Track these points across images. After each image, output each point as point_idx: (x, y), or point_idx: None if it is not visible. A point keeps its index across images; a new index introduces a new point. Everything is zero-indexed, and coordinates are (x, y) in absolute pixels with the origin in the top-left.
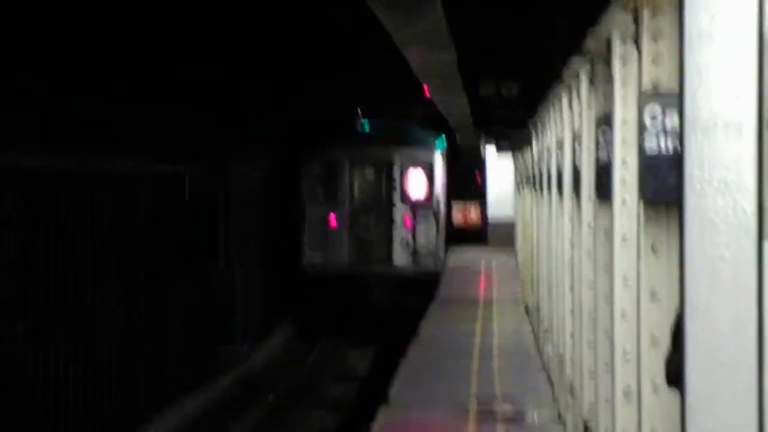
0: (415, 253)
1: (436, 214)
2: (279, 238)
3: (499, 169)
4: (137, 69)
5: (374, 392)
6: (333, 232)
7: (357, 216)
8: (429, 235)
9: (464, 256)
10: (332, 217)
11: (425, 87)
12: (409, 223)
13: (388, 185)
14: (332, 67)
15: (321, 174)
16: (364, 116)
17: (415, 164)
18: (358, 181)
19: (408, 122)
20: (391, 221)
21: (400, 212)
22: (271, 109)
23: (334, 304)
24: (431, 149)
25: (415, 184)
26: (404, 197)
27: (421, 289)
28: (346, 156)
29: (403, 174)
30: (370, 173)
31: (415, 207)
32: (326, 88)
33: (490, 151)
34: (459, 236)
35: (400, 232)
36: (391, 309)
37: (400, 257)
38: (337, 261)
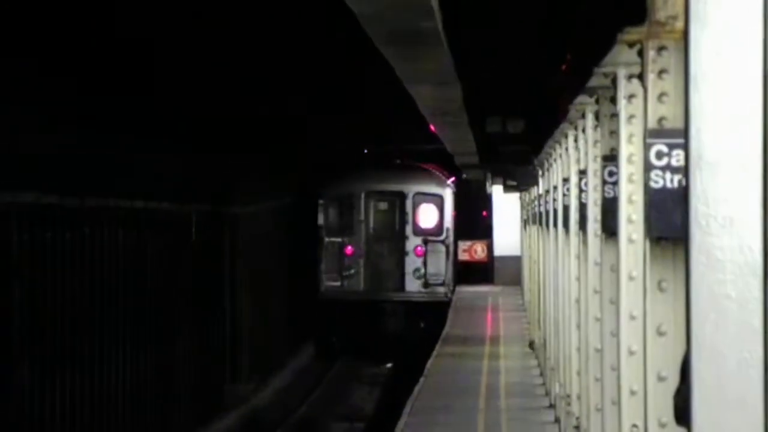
0: (426, 282)
1: (446, 246)
2: (297, 269)
3: (505, 206)
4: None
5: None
6: (349, 259)
7: (372, 246)
8: (439, 265)
9: (471, 294)
10: (348, 247)
11: (431, 126)
12: (420, 252)
13: (401, 218)
14: (341, 105)
15: (338, 206)
16: (372, 154)
17: (427, 199)
18: (372, 214)
19: (419, 159)
20: (403, 251)
21: (413, 243)
22: (291, 148)
23: (351, 328)
24: (442, 185)
25: (427, 217)
26: (416, 229)
27: (431, 315)
28: (361, 189)
29: (415, 208)
30: (384, 206)
31: (426, 238)
32: (336, 125)
33: (496, 189)
34: (465, 274)
35: (413, 262)
36: (404, 333)
37: (412, 285)
38: (354, 288)
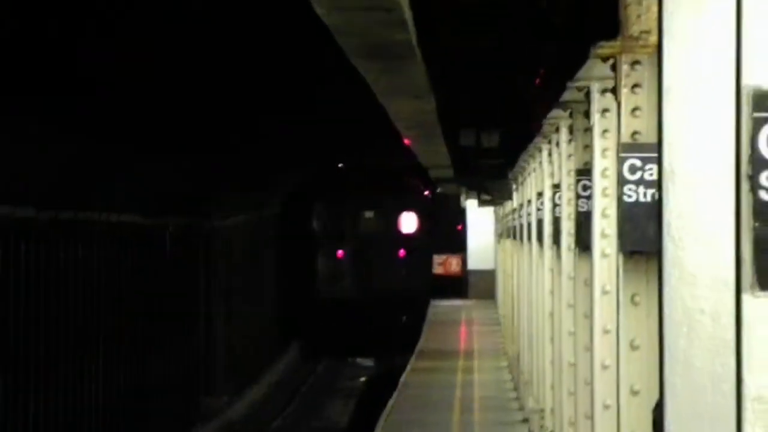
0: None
1: (423, 247)
2: (289, 274)
3: (479, 220)
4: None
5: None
6: (341, 262)
7: (361, 248)
8: (419, 263)
9: (445, 308)
10: (339, 251)
11: (405, 140)
12: (402, 253)
13: (386, 223)
14: (315, 116)
15: (330, 213)
16: (346, 167)
17: (408, 207)
18: (361, 220)
19: (394, 174)
20: (389, 252)
21: (396, 245)
22: (285, 163)
23: (344, 323)
24: (420, 195)
25: (408, 223)
26: (398, 233)
27: (413, 306)
28: (352, 199)
29: (397, 215)
30: (371, 214)
31: (407, 240)
32: (310, 138)
33: (471, 203)
34: (440, 288)
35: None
36: (390, 323)
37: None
38: (345, 287)
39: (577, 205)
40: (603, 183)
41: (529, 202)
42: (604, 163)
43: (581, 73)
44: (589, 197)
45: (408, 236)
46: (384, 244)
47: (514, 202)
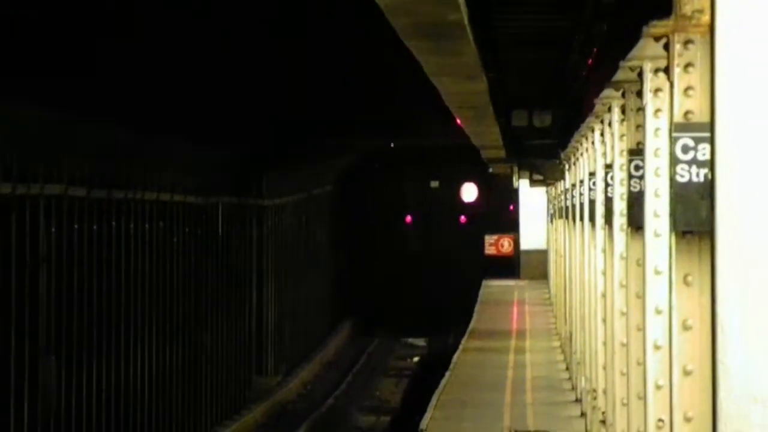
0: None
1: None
2: (342, 252)
3: (532, 200)
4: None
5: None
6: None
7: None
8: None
9: (497, 288)
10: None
11: (457, 120)
12: (463, 219)
13: (447, 192)
14: (368, 98)
15: (392, 185)
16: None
17: (468, 178)
18: (424, 190)
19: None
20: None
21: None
22: (334, 146)
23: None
24: (478, 166)
25: (468, 192)
26: (460, 201)
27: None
28: (413, 171)
29: (460, 184)
30: (435, 183)
31: (467, 207)
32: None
33: (523, 183)
34: (492, 268)
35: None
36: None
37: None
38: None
39: (629, 185)
40: (655, 163)
41: (581, 182)
42: (656, 143)
43: (634, 52)
44: (641, 177)
45: (469, 204)
46: (446, 210)
47: (566, 183)
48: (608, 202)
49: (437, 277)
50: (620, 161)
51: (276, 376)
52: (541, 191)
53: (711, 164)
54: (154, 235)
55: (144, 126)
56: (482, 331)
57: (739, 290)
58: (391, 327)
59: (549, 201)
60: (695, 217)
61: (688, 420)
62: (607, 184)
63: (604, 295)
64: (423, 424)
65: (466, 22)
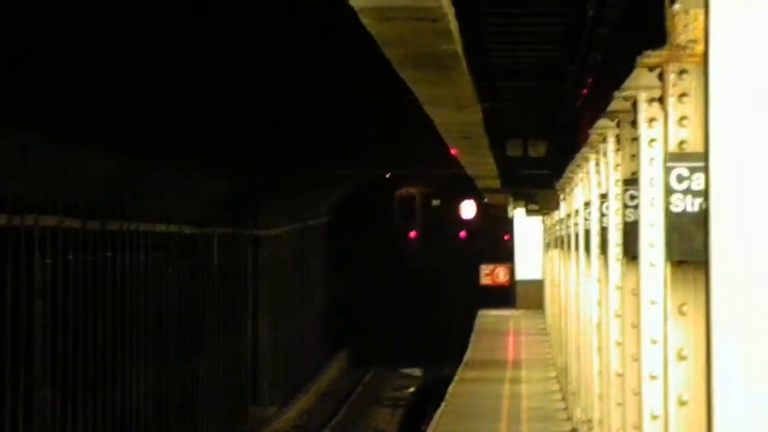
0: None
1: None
2: (338, 281)
3: (527, 230)
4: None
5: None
6: (412, 242)
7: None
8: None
9: (493, 318)
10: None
11: (452, 150)
12: (463, 235)
13: (448, 210)
14: (361, 128)
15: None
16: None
17: (466, 196)
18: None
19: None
20: (451, 234)
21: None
22: (329, 178)
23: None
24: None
25: (467, 209)
26: (460, 218)
27: (470, 279)
28: (417, 192)
29: (459, 203)
30: (436, 203)
31: (467, 224)
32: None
33: (518, 213)
34: (487, 298)
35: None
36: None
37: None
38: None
39: (624, 215)
40: (650, 193)
41: (577, 212)
42: (651, 173)
43: (628, 82)
44: (636, 207)
45: (468, 221)
46: (447, 226)
47: (562, 212)
48: (603, 231)
49: (432, 305)
50: (615, 191)
51: (272, 405)
52: (536, 221)
53: (705, 194)
54: (149, 266)
55: (139, 156)
56: (478, 361)
57: (735, 320)
58: (387, 357)
59: (544, 230)
60: (690, 246)
61: None
62: (602, 214)
63: (599, 325)
64: None
65: (460, 52)
